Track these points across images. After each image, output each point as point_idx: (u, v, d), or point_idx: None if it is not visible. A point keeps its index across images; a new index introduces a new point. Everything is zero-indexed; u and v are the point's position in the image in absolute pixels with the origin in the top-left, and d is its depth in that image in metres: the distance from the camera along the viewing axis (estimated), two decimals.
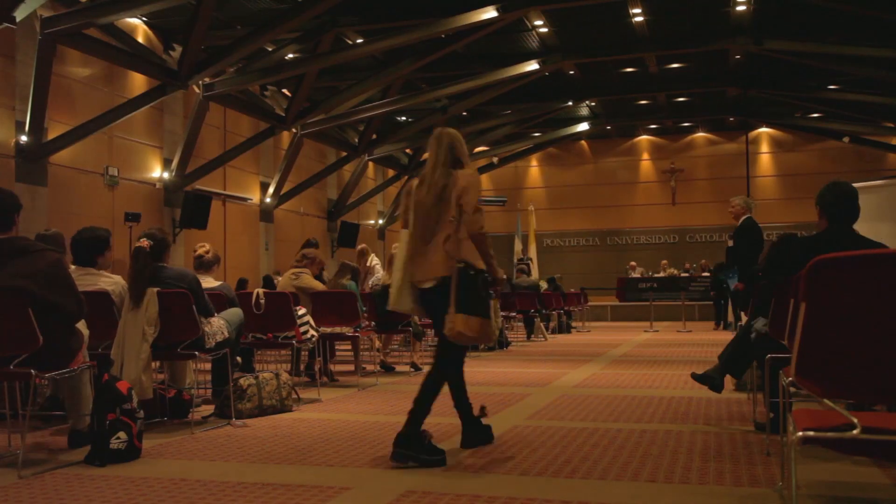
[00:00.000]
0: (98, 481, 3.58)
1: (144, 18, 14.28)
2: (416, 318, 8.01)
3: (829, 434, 2.13)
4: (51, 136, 11.99)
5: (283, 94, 18.34)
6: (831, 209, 4.04)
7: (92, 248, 5.23)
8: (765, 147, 24.07)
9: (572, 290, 18.60)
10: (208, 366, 8.49)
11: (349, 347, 10.51)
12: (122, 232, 13.44)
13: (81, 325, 4.50)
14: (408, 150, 22.80)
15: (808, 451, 3.77)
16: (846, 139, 22.06)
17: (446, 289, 3.87)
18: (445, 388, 6.61)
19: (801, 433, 2.12)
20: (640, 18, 14.75)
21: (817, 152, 23.38)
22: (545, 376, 7.76)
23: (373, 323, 8.14)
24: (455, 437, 4.55)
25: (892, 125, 20.57)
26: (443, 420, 5.19)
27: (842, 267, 2.21)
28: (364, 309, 7.45)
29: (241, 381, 5.41)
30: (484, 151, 24.06)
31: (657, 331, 16.31)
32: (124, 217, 13.20)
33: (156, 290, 4.89)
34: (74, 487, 3.46)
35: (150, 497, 3.28)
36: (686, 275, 20.57)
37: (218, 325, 5.25)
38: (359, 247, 10.88)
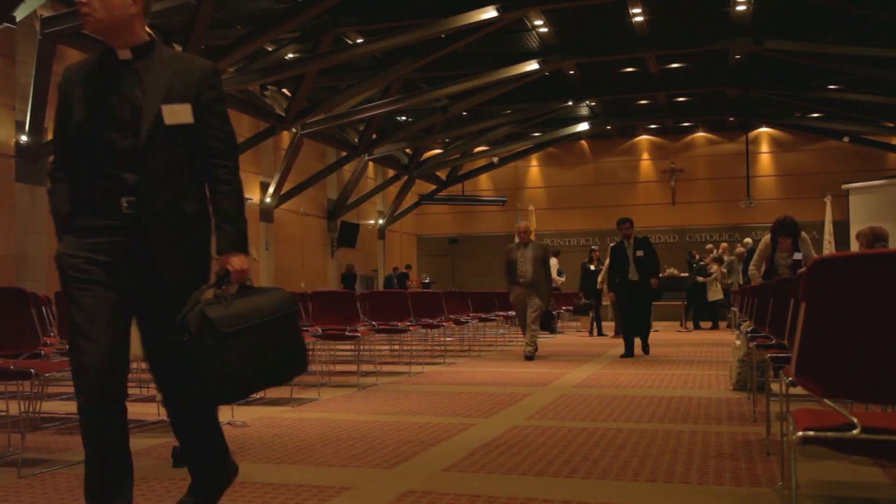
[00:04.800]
0: None
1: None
2: None
3: (830, 434, 2.13)
4: (51, 135, 11.98)
5: (283, 93, 18.34)
6: None
7: None
8: (765, 147, 24.06)
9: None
10: None
11: (350, 347, 10.53)
12: None
13: None
14: (408, 150, 22.79)
15: (808, 450, 3.77)
16: (846, 139, 22.05)
17: None
18: (440, 389, 6.61)
19: (801, 433, 2.12)
20: (640, 18, 14.75)
21: (817, 152, 23.37)
22: (545, 376, 7.77)
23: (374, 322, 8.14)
24: (455, 438, 4.55)
25: (892, 125, 20.57)
26: (443, 420, 5.20)
27: (842, 266, 2.21)
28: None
29: None
30: (484, 151, 24.05)
31: (657, 330, 16.28)
32: None
33: None
34: (74, 487, 3.46)
35: (151, 497, 3.28)
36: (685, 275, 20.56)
37: None
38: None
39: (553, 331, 10.86)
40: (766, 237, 6.85)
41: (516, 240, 9.96)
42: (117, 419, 2.44)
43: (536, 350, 9.72)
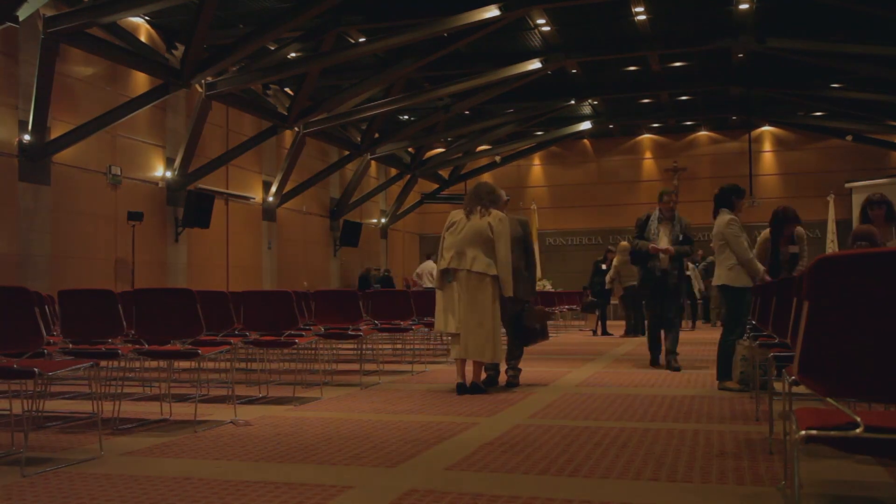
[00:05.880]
0: (101, 480, 3.58)
1: (147, 17, 14.29)
2: None
3: (833, 433, 2.12)
4: (54, 135, 12.01)
5: (286, 92, 18.34)
6: None
7: None
8: (767, 146, 24.02)
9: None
10: (211, 364, 8.53)
11: (353, 346, 10.54)
12: (124, 231, 13.47)
13: None
14: (410, 149, 22.78)
15: (811, 449, 3.77)
16: (849, 137, 22.00)
17: None
18: (442, 388, 6.60)
19: (804, 432, 2.12)
20: (642, 17, 14.72)
21: (820, 151, 23.33)
22: (547, 375, 7.76)
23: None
24: (457, 437, 4.55)
25: (894, 123, 20.51)
26: (445, 419, 5.20)
27: (845, 266, 2.21)
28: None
29: None
30: (486, 150, 24.04)
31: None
32: (127, 216, 13.22)
33: None
34: (77, 486, 3.47)
35: (153, 496, 3.28)
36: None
37: None
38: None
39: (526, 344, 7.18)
40: (765, 232, 6.79)
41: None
42: None
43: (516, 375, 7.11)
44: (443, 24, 13.34)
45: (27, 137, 11.49)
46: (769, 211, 6.92)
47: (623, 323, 14.79)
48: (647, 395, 6.28)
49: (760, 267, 6.38)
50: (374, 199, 23.46)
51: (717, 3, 14.46)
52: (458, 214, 6.61)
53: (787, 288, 4.05)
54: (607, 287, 14.49)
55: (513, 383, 6.88)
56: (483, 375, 6.64)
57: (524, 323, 6.92)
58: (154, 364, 7.56)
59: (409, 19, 13.72)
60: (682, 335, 9.25)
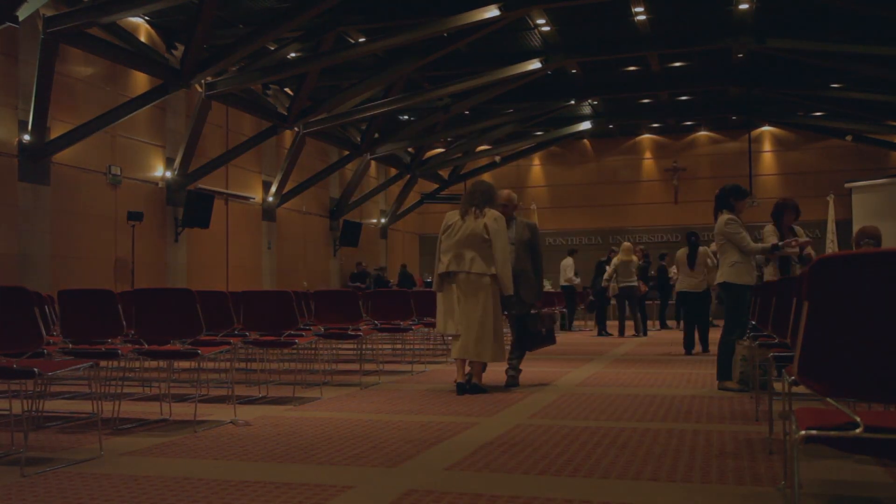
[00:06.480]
0: (101, 480, 3.58)
1: (147, 17, 14.29)
2: None
3: (832, 433, 2.13)
4: (53, 135, 12.01)
5: (286, 92, 18.33)
6: None
7: None
8: (767, 146, 24.02)
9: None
10: (211, 364, 8.53)
11: (353, 346, 10.54)
12: (124, 231, 13.47)
13: None
14: (410, 149, 22.78)
15: (810, 449, 3.77)
16: (849, 138, 22.00)
17: None
18: (442, 388, 6.58)
19: (803, 432, 2.12)
20: (642, 17, 14.72)
21: (820, 151, 23.32)
22: (547, 375, 7.76)
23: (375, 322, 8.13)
24: (457, 437, 4.55)
25: (894, 124, 20.52)
26: (445, 419, 5.20)
27: (845, 266, 2.21)
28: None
29: None
30: (486, 150, 24.04)
31: (658, 329, 16.31)
32: (127, 216, 13.22)
33: None
34: (77, 486, 3.47)
35: (153, 496, 3.28)
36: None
37: None
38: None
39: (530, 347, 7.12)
40: (769, 227, 6.74)
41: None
42: None
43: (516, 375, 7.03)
44: (442, 23, 13.34)
45: (27, 137, 11.49)
46: (768, 211, 6.90)
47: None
48: (647, 395, 6.28)
49: (759, 246, 6.43)
50: (373, 199, 23.45)
51: (717, 3, 14.46)
52: (453, 217, 6.65)
53: (787, 288, 4.05)
54: (603, 284, 14.51)
55: (513, 383, 6.88)
56: (483, 375, 6.64)
57: (530, 327, 6.96)
58: (154, 364, 7.56)
59: (409, 19, 13.72)
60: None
